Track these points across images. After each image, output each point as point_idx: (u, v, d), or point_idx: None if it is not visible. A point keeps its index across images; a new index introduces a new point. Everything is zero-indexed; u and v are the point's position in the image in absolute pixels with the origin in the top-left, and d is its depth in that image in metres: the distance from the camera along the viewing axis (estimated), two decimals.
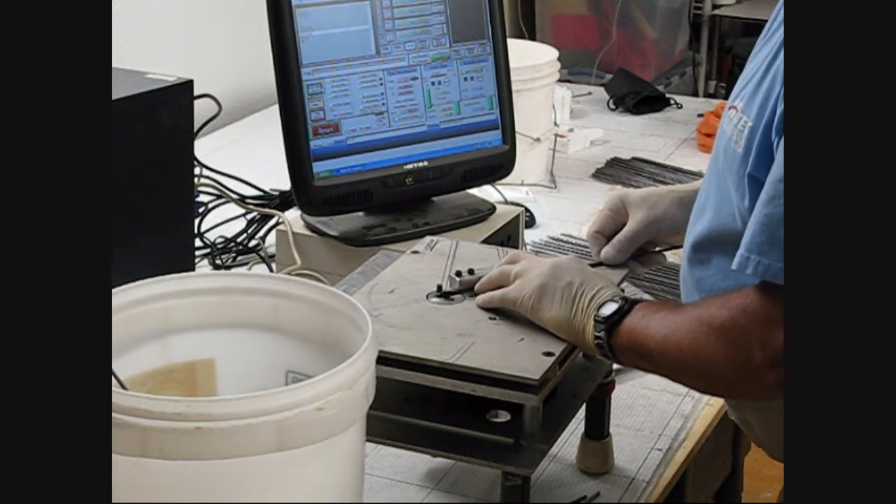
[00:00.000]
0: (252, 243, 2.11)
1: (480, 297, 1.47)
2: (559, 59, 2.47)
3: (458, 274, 1.50)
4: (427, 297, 1.49)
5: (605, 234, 1.57)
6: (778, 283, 1.22)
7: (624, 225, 1.56)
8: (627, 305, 1.36)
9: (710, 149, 2.79)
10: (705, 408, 1.72)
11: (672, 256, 2.12)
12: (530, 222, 2.23)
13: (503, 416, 1.39)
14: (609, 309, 1.36)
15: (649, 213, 1.56)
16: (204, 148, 2.21)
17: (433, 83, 1.95)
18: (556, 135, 2.55)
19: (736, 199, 1.34)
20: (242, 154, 2.52)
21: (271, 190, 2.21)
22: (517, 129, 2.04)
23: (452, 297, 1.49)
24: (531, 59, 2.42)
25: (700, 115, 2.85)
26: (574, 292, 1.39)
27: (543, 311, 1.40)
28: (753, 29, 4.36)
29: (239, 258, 2.09)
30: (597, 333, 1.36)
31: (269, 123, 2.44)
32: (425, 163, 1.95)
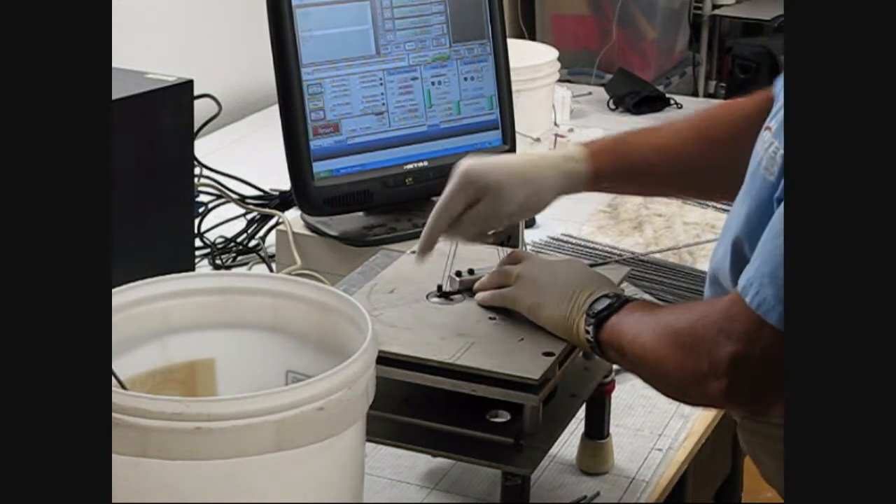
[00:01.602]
0: (252, 243, 2.11)
1: (480, 295, 1.47)
2: (559, 59, 2.47)
3: (458, 274, 1.50)
4: (427, 297, 1.49)
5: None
6: (767, 319, 1.22)
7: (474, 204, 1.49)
8: (618, 303, 1.36)
9: None
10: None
11: (672, 256, 2.12)
12: (530, 222, 2.22)
13: (503, 416, 1.39)
14: (601, 305, 1.36)
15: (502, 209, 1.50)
16: (204, 148, 2.21)
17: (433, 83, 1.95)
18: (556, 135, 2.55)
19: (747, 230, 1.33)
20: (242, 154, 2.52)
21: (271, 190, 2.21)
22: (517, 129, 2.04)
23: (452, 297, 1.49)
24: (531, 59, 2.42)
25: None
26: (572, 291, 1.39)
27: (541, 310, 1.40)
28: (753, 29, 4.36)
29: (239, 258, 2.09)
30: (586, 328, 1.36)
31: (269, 123, 2.44)
32: (425, 163, 1.95)
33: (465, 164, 1.48)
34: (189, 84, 1.78)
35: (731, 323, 1.24)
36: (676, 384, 1.32)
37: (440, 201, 1.49)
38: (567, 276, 1.41)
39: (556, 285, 1.40)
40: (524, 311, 1.42)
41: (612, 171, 1.53)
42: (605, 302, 1.36)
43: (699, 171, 1.54)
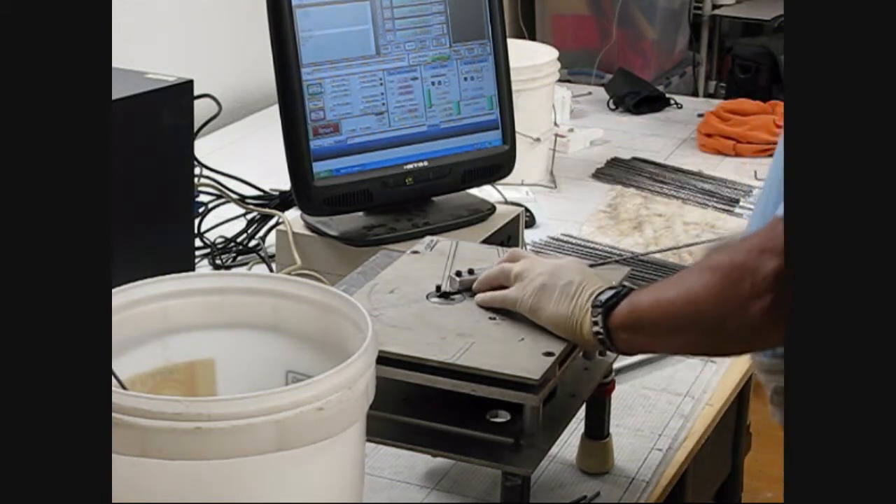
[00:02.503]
0: (252, 243, 2.11)
1: (480, 297, 1.47)
2: (559, 59, 2.47)
3: (458, 274, 1.50)
4: (427, 297, 1.49)
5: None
6: None
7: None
8: (624, 291, 1.37)
9: (710, 149, 2.80)
10: (705, 408, 1.72)
11: (672, 256, 2.12)
12: (530, 222, 2.23)
13: (503, 416, 1.39)
14: (606, 295, 1.37)
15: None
16: (204, 148, 2.21)
17: (433, 83, 1.95)
18: (556, 135, 2.55)
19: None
20: (242, 154, 2.52)
21: (271, 190, 2.21)
22: (517, 129, 2.04)
23: (452, 297, 1.49)
24: (531, 59, 2.42)
25: (700, 115, 2.85)
26: (574, 290, 1.39)
27: (543, 310, 1.40)
28: (753, 29, 4.36)
29: (239, 258, 2.09)
30: (594, 319, 1.36)
31: (269, 123, 2.44)
32: (425, 163, 1.95)
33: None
34: (189, 84, 1.78)
35: (774, 242, 1.22)
36: (714, 320, 1.29)
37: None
38: (568, 275, 1.41)
39: (557, 285, 1.40)
40: (524, 312, 1.42)
41: None
42: (611, 292, 1.37)
43: None
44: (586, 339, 1.38)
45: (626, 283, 1.42)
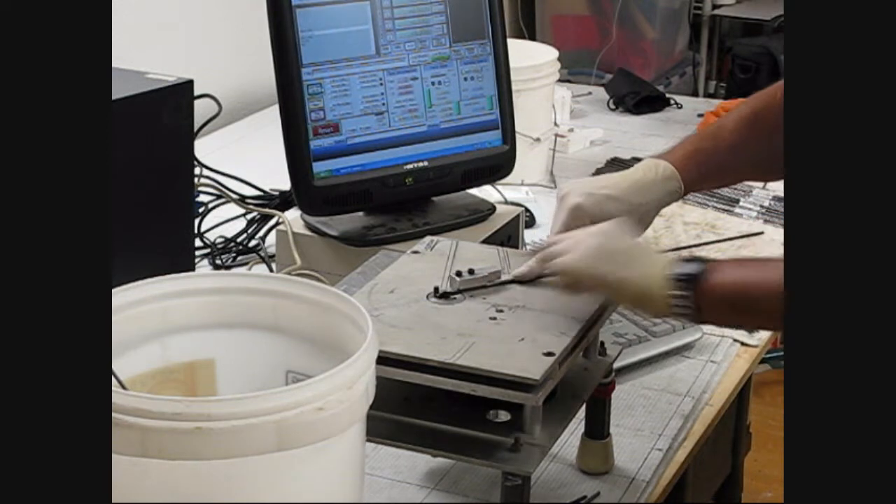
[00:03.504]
0: (252, 243, 2.11)
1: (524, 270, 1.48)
2: (559, 59, 2.47)
3: (459, 274, 1.50)
4: (427, 297, 1.49)
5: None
6: None
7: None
8: (706, 266, 1.39)
9: None
10: (705, 408, 1.72)
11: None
12: (530, 222, 2.23)
13: (503, 416, 1.39)
14: (689, 269, 1.39)
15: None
16: (204, 148, 2.21)
17: (433, 83, 1.95)
18: (556, 135, 2.55)
19: None
20: (242, 154, 2.52)
21: (271, 190, 2.21)
22: (517, 129, 2.04)
23: (453, 297, 1.49)
24: (531, 59, 2.42)
25: (700, 115, 2.85)
26: (638, 253, 1.42)
27: (610, 274, 1.42)
28: (753, 29, 4.36)
29: (239, 258, 2.09)
30: (679, 292, 1.38)
31: (269, 123, 2.44)
32: (425, 163, 1.95)
33: (573, 198, 1.56)
34: (189, 84, 1.78)
35: None
36: None
37: (552, 234, 1.55)
38: (622, 239, 1.44)
39: (619, 248, 1.42)
40: (584, 277, 1.43)
41: (696, 181, 1.63)
42: (694, 267, 1.39)
43: (765, 158, 1.61)
44: (657, 303, 1.40)
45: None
